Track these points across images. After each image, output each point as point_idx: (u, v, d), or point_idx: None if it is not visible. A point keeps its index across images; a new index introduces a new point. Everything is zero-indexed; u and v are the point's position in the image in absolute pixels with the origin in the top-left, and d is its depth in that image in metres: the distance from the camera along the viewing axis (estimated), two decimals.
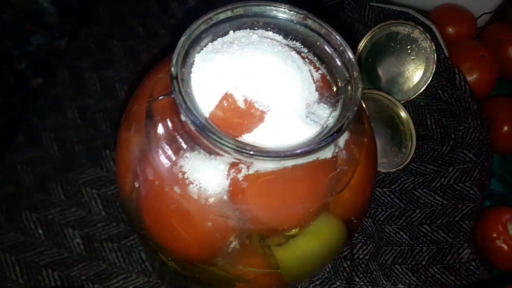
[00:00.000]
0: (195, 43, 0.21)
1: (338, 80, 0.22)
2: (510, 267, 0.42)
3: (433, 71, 0.47)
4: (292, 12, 0.22)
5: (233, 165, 0.19)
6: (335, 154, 0.21)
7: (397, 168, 0.45)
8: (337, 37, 0.21)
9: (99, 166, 0.40)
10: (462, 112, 0.46)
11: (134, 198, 0.23)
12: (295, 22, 0.22)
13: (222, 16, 0.21)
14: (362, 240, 0.39)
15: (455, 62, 0.49)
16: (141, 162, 0.22)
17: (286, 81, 0.20)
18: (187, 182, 0.20)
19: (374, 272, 0.39)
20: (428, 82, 0.47)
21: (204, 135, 0.18)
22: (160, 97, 0.22)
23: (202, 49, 0.21)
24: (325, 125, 0.20)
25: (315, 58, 0.22)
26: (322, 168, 0.21)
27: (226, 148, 0.18)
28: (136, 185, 0.22)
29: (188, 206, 0.20)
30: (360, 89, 0.20)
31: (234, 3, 0.22)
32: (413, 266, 0.41)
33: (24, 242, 0.37)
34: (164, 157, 0.21)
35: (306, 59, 0.22)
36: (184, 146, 0.20)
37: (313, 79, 0.22)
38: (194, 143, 0.20)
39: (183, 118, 0.20)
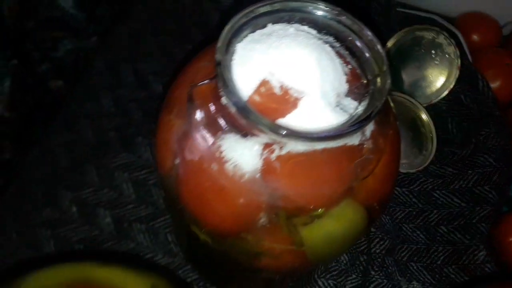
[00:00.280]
0: (236, 34, 0.23)
1: (368, 74, 0.23)
2: None
3: (457, 76, 0.48)
4: (327, 9, 0.23)
5: (266, 145, 0.21)
6: (362, 142, 0.23)
7: (416, 169, 0.46)
8: (368, 32, 0.23)
9: (131, 152, 0.42)
10: (484, 117, 0.47)
11: (173, 175, 0.24)
12: (329, 17, 0.24)
13: (262, 10, 0.23)
14: (380, 236, 0.41)
15: (479, 69, 0.49)
16: (182, 142, 0.24)
17: (319, 71, 0.22)
18: (224, 161, 0.22)
19: (390, 267, 0.40)
20: (451, 87, 0.48)
21: (244, 116, 0.20)
22: (202, 83, 0.23)
23: (242, 39, 0.23)
24: (353, 114, 0.22)
25: (347, 52, 0.24)
26: (349, 154, 0.22)
27: (263, 129, 0.20)
28: (176, 162, 0.24)
29: (223, 182, 0.22)
30: (389, 81, 0.22)
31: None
32: (428, 264, 0.42)
33: (59, 219, 0.39)
34: (203, 138, 0.23)
35: (338, 53, 0.24)
36: (222, 127, 0.22)
37: (344, 72, 0.23)
38: (231, 125, 0.22)
39: (223, 101, 0.21)
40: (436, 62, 0.50)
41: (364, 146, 0.23)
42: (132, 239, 0.38)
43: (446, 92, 0.49)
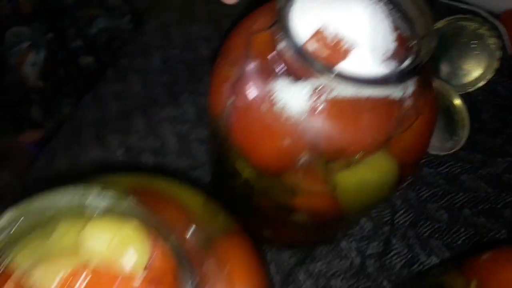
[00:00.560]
0: None
1: (415, 36, 0.25)
2: None
3: (496, 67, 0.49)
4: None
5: (316, 89, 0.23)
6: (403, 99, 0.24)
7: (446, 153, 0.47)
8: None
9: (176, 107, 0.45)
10: None
11: (225, 115, 0.27)
12: None
13: None
14: (404, 208, 0.42)
15: None
16: (237, 85, 0.26)
17: (370, 27, 0.24)
18: (274, 102, 0.24)
19: (411, 239, 0.42)
20: (489, 78, 0.49)
21: (299, 59, 0.22)
22: (260, 32, 0.26)
23: None
24: (399, 68, 0.24)
25: (398, 14, 0.26)
26: (391, 107, 0.24)
27: (316, 70, 0.22)
28: (229, 103, 0.26)
29: (272, 121, 0.24)
30: (434, 41, 0.23)
31: None
32: (449, 243, 0.43)
33: (105, 160, 0.42)
34: (257, 81, 0.25)
35: (389, 13, 0.25)
36: (276, 72, 0.24)
37: (393, 31, 0.25)
38: (285, 70, 0.24)
39: (280, 47, 0.24)
40: (476, 53, 0.50)
41: (405, 103, 0.25)
42: None
43: (483, 83, 0.49)
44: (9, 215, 0.17)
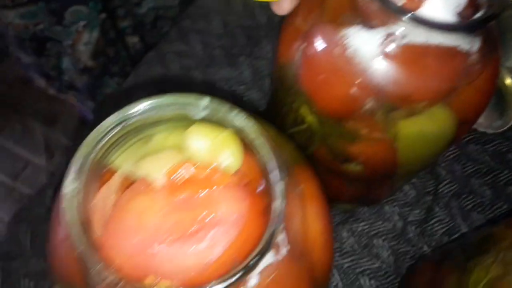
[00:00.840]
0: None
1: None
2: None
3: None
4: None
5: (388, 35, 0.25)
6: (470, 52, 0.26)
7: (494, 132, 0.48)
8: None
9: (233, 68, 0.47)
10: None
11: (294, 63, 0.29)
12: None
13: None
14: (449, 179, 0.43)
15: None
16: (309, 32, 0.28)
17: None
18: (346, 47, 0.26)
19: (453, 209, 0.43)
20: None
21: (377, 4, 0.24)
22: None
23: None
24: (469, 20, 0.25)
25: None
26: (458, 58, 0.25)
27: (394, 15, 0.23)
28: (301, 48, 0.28)
29: (342, 66, 0.26)
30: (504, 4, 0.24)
31: None
32: (491, 218, 0.44)
33: None
34: (330, 27, 0.27)
35: None
36: (350, 20, 0.26)
37: None
38: (359, 17, 0.26)
39: None
40: None
41: (471, 56, 0.26)
42: None
43: None
44: (113, 117, 0.19)
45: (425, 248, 0.42)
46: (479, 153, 0.47)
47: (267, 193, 0.20)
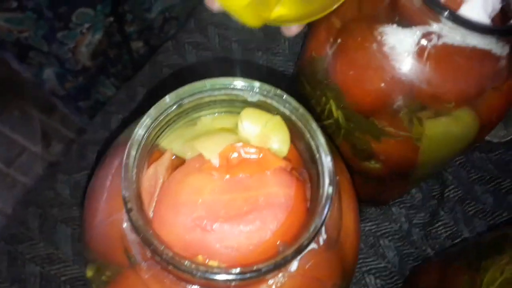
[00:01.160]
0: None
1: None
2: None
3: None
4: None
5: (426, 34, 0.25)
6: (501, 57, 0.27)
7: (499, 141, 0.49)
8: None
9: (250, 62, 0.47)
10: None
11: (327, 57, 0.29)
12: None
13: None
14: (455, 184, 0.45)
15: None
16: (344, 29, 0.29)
17: None
18: (382, 44, 0.27)
19: (457, 214, 0.44)
20: None
21: (417, 2, 0.24)
22: None
23: None
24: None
25: None
26: (491, 61, 0.26)
27: (434, 14, 0.24)
28: (336, 44, 0.29)
29: (379, 61, 0.27)
30: None
31: None
32: (491, 225, 0.45)
33: None
34: (368, 23, 0.27)
35: None
36: (387, 16, 0.27)
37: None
38: (398, 16, 0.26)
39: None
40: None
41: (501, 61, 0.27)
42: None
43: None
44: (171, 96, 0.20)
45: (429, 250, 0.43)
46: (483, 160, 0.48)
47: (311, 180, 0.20)
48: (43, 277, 0.39)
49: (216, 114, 0.21)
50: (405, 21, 0.26)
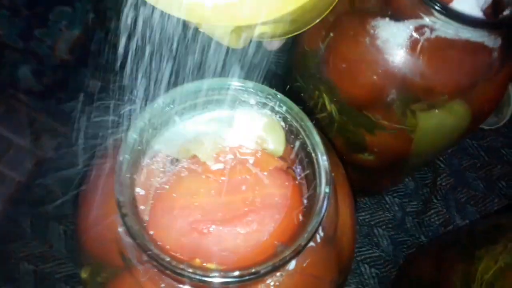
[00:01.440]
0: None
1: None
2: None
3: None
4: None
5: (418, 28, 0.25)
6: (493, 48, 0.26)
7: (489, 127, 0.49)
8: None
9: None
10: None
11: (320, 51, 0.29)
12: None
13: None
14: (447, 172, 0.45)
15: None
16: (337, 22, 0.28)
17: None
18: (375, 38, 0.26)
19: (450, 202, 0.44)
20: None
21: None
22: None
23: None
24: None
25: None
26: (483, 53, 0.26)
27: (427, 7, 0.24)
28: (328, 38, 0.28)
29: (372, 55, 0.27)
30: None
31: None
32: (482, 210, 0.46)
33: None
34: (360, 17, 0.27)
35: None
36: (380, 10, 0.26)
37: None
38: (388, 9, 0.26)
39: None
40: None
41: (493, 53, 0.27)
42: None
43: None
44: (162, 99, 0.19)
45: (422, 238, 0.43)
46: (475, 148, 0.49)
47: (307, 179, 0.20)
48: (38, 276, 0.39)
49: (211, 115, 0.20)
50: (398, 15, 0.26)
